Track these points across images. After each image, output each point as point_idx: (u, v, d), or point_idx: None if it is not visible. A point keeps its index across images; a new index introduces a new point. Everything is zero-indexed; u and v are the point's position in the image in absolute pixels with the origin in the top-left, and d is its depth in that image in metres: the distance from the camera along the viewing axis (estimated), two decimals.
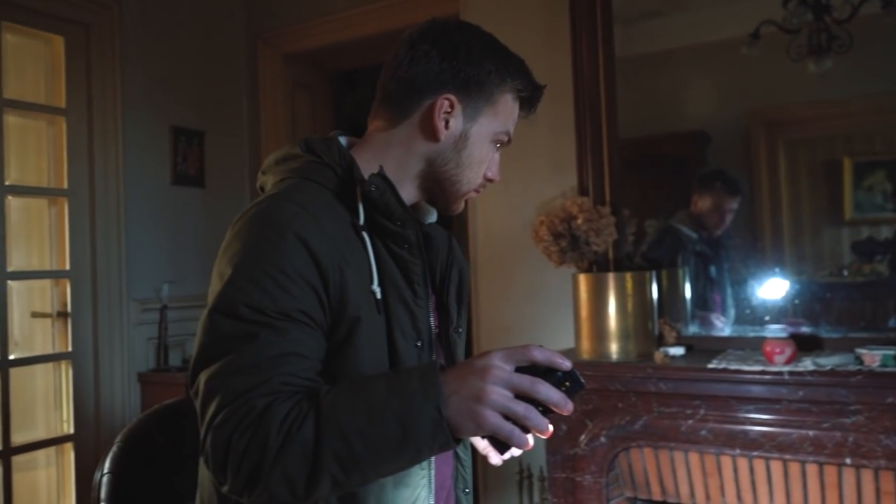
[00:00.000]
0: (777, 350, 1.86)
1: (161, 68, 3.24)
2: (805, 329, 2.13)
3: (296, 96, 3.67)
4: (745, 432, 1.85)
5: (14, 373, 2.76)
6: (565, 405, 0.78)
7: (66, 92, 2.93)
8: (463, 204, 1.08)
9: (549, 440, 2.07)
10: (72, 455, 2.90)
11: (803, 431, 1.78)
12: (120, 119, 3.02)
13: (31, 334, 2.96)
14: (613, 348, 2.09)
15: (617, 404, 2.02)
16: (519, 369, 0.79)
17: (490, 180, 1.06)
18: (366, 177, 0.95)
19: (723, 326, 2.31)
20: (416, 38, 1.02)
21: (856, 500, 1.77)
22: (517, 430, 0.77)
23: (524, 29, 2.59)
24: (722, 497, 1.94)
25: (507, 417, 0.77)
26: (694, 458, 1.97)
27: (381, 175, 0.95)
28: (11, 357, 2.75)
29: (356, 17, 3.30)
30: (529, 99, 1.05)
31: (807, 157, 2.35)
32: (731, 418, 1.87)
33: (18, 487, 2.79)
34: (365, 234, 0.94)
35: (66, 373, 2.91)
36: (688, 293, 2.37)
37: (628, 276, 2.11)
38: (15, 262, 2.84)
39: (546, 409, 0.78)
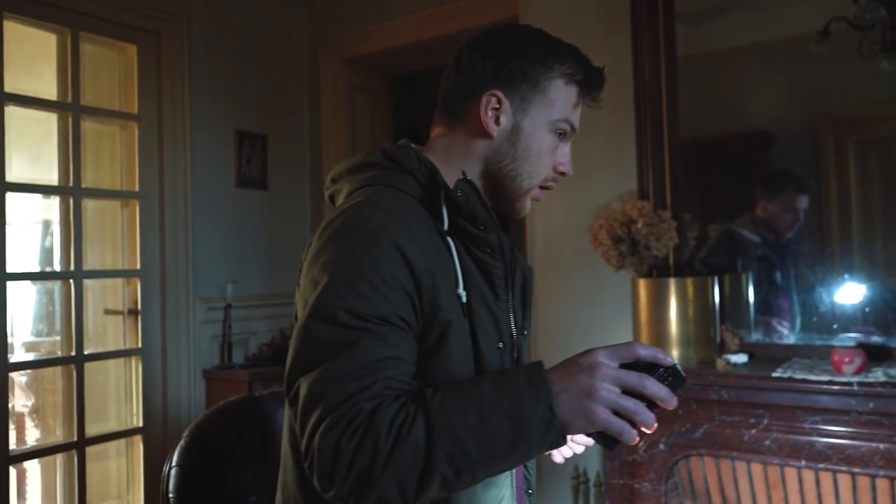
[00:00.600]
0: (846, 359, 1.81)
1: (226, 74, 3.34)
2: (876, 338, 2.06)
3: (355, 100, 3.73)
4: (812, 444, 1.80)
5: (88, 367, 2.89)
6: (670, 400, 0.80)
7: (138, 98, 3.05)
8: (528, 205, 1.07)
9: None
10: (140, 447, 3.02)
11: (874, 444, 1.73)
12: (188, 124, 3.13)
13: (104, 331, 3.09)
14: (674, 355, 2.06)
15: (677, 411, 1.99)
16: (622, 366, 0.81)
17: (562, 174, 1.06)
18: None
19: (788, 334, 2.25)
20: (462, 46, 1.06)
21: None
22: (627, 426, 0.79)
23: (583, 30, 2.57)
24: None
25: (615, 413, 0.78)
26: (757, 468, 1.92)
27: (466, 180, 0.97)
28: (86, 352, 2.87)
29: (415, 21, 3.33)
30: (586, 82, 1.03)
31: (878, 157, 2.29)
32: (796, 429, 1.83)
33: (91, 477, 2.92)
34: (449, 239, 0.95)
35: (135, 368, 3.03)
36: (751, 299, 2.32)
37: (689, 281, 2.08)
38: (90, 262, 2.97)
39: (651, 404, 0.80)
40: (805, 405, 1.81)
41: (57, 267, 2.92)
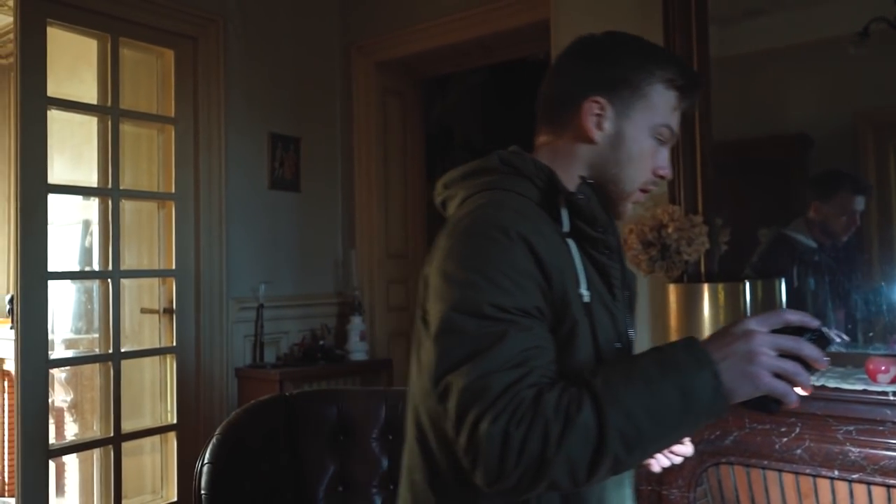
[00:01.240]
0: (881, 368, 1.77)
1: (261, 77, 3.39)
2: None
3: (387, 102, 3.75)
4: (845, 453, 1.77)
5: (124, 364, 2.97)
6: (823, 361, 0.82)
7: (174, 102, 3.12)
8: (629, 209, 1.09)
9: None
10: (174, 443, 3.08)
11: None
12: (223, 127, 3.18)
13: (141, 329, 3.16)
14: None
15: None
16: (773, 332, 0.84)
17: (661, 177, 1.08)
18: None
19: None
20: (561, 55, 1.10)
21: None
22: (790, 387, 0.81)
23: (615, 27, 2.56)
24: None
25: (776, 377, 0.81)
26: (788, 478, 1.89)
27: (588, 183, 1.01)
28: (123, 350, 2.94)
29: (446, 25, 3.35)
30: (685, 87, 1.05)
31: None
32: (829, 438, 1.79)
33: (127, 472, 2.99)
34: (568, 241, 0.98)
35: (170, 366, 3.10)
36: (784, 305, 2.28)
37: (720, 286, 2.05)
38: (127, 262, 3.05)
39: (805, 367, 0.82)
40: (838, 414, 1.77)
41: (96, 266, 2.99)
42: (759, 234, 2.34)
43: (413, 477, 1.02)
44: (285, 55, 3.51)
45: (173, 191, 3.10)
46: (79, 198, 3.26)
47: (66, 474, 3.53)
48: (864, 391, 1.74)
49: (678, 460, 1.12)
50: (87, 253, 3.48)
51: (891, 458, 1.72)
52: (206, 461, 2.14)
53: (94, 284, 3.01)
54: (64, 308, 3.55)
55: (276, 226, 3.43)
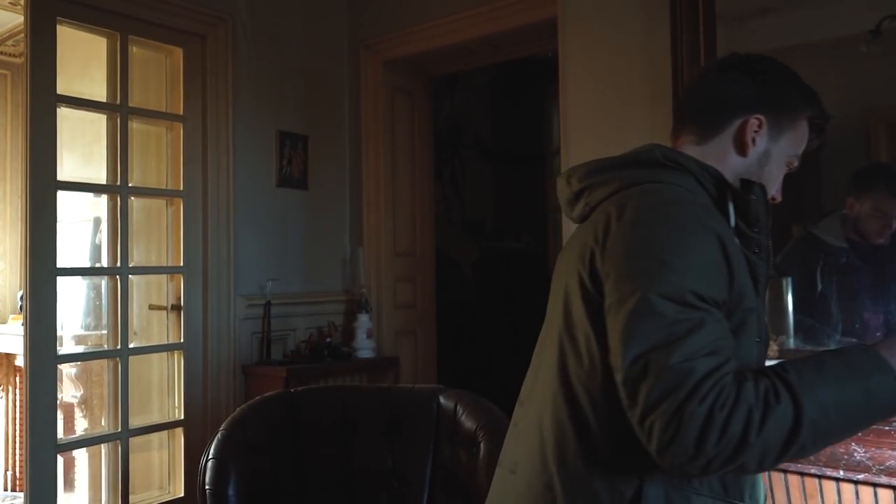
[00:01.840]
0: None
1: (269, 75, 3.40)
2: None
3: (395, 100, 3.76)
4: (851, 453, 1.76)
5: (132, 360, 2.99)
6: None
7: (183, 100, 3.13)
8: None
9: None
10: (181, 439, 3.10)
11: None
12: (231, 125, 3.20)
13: (149, 325, 3.19)
14: None
15: None
16: None
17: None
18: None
19: (829, 341, 2.19)
20: (724, 65, 1.18)
21: None
22: None
23: (623, 31, 2.56)
24: None
25: None
26: (793, 479, 1.88)
27: (760, 185, 1.08)
28: (131, 346, 2.97)
29: (454, 23, 3.34)
30: (820, 128, 1.17)
31: None
32: None
33: (134, 467, 3.01)
34: (736, 238, 1.04)
35: (178, 362, 3.11)
36: (790, 304, 2.26)
37: None
38: (135, 258, 3.07)
39: None
40: None
41: (104, 263, 3.02)
42: (793, 230, 2.27)
43: (564, 456, 1.02)
44: (294, 53, 3.52)
45: (181, 188, 3.12)
46: (90, 195, 3.28)
47: (77, 469, 3.57)
48: None
49: None
50: (97, 250, 3.51)
51: None
52: (210, 456, 2.16)
53: (103, 281, 3.02)
54: (74, 304, 3.59)
55: (283, 224, 3.44)
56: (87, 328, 3.61)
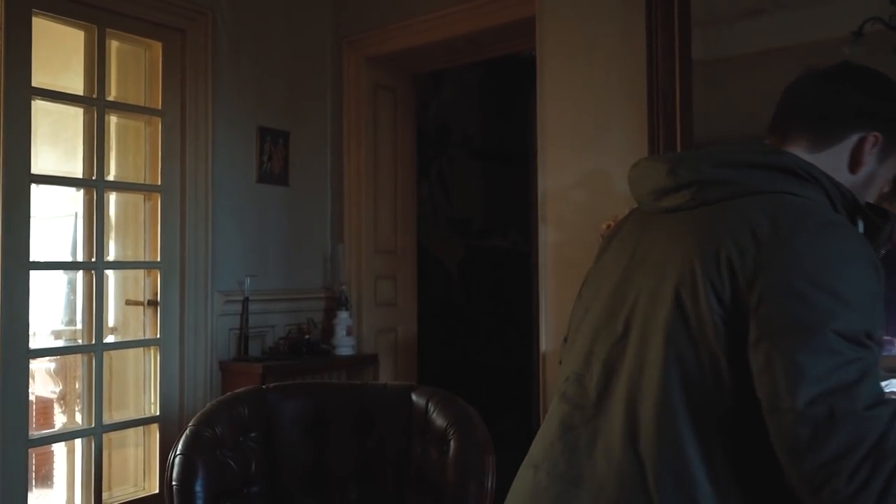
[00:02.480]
0: None
1: (250, 71, 3.39)
2: None
3: (378, 97, 3.75)
4: None
5: (109, 356, 2.97)
6: None
7: (162, 94, 3.11)
8: None
9: None
10: (157, 435, 3.08)
11: None
12: (210, 120, 3.18)
13: (126, 320, 3.17)
14: None
15: None
16: None
17: None
18: None
19: None
20: (839, 75, 1.14)
21: None
22: None
23: (601, 29, 2.55)
24: None
25: None
26: None
27: (892, 214, 1.09)
28: (106, 341, 2.95)
29: (436, 20, 3.34)
30: None
31: None
32: None
33: (110, 463, 2.99)
34: None
35: (154, 358, 3.10)
36: None
37: None
38: (113, 253, 3.05)
39: None
40: None
41: (80, 257, 3.00)
42: None
43: (668, 484, 0.94)
44: (275, 49, 3.51)
45: (159, 183, 3.10)
46: (72, 189, 3.26)
47: (55, 465, 3.55)
48: None
49: None
50: (77, 244, 3.49)
51: None
52: (178, 452, 2.15)
53: (78, 275, 3.00)
54: (53, 299, 3.57)
55: (263, 220, 3.43)
56: (65, 323, 3.59)
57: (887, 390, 1.67)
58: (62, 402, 3.75)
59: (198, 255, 3.14)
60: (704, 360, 0.93)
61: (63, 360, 3.47)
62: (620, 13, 2.52)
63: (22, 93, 2.66)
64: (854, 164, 1.08)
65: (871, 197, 1.12)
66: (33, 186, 2.70)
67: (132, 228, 3.15)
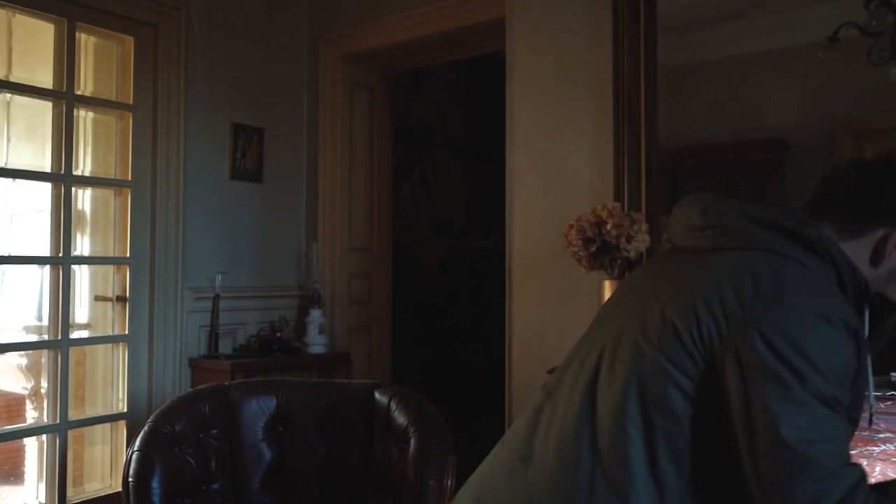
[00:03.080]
0: None
1: (225, 67, 3.38)
2: None
3: (354, 96, 3.74)
4: None
5: (77, 352, 2.95)
6: None
7: (133, 89, 3.10)
8: None
9: None
10: (124, 432, 3.07)
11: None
12: (182, 115, 3.17)
13: (94, 316, 3.15)
14: None
15: None
16: None
17: None
18: None
19: None
20: (882, 167, 1.16)
21: None
22: None
23: (569, 30, 2.55)
24: None
25: None
26: None
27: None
28: (73, 336, 2.93)
29: (411, 18, 3.33)
30: None
31: None
32: None
33: (77, 460, 2.98)
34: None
35: (122, 354, 3.08)
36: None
37: None
38: (83, 248, 3.03)
39: None
40: None
41: (48, 252, 2.98)
42: None
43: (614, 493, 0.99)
44: (250, 46, 3.49)
45: (130, 178, 3.08)
46: (48, 185, 3.23)
47: (26, 460, 3.52)
48: None
49: None
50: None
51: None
52: (135, 449, 2.13)
53: (45, 270, 2.98)
54: (24, 293, 3.54)
55: (236, 216, 3.42)
56: (37, 319, 3.57)
57: None
58: (33, 398, 3.73)
59: (168, 251, 3.13)
60: (673, 384, 0.99)
61: (35, 357, 3.45)
62: (588, 13, 2.53)
63: None
64: (876, 258, 1.11)
65: (892, 292, 1.15)
66: (4, 181, 2.68)
67: (102, 224, 3.13)
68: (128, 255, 3.07)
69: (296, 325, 3.56)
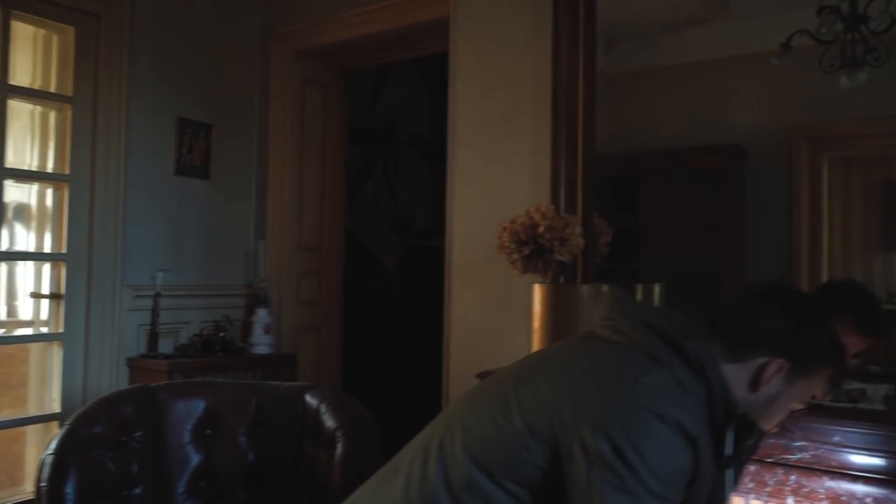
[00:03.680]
0: None
1: (171, 60, 3.30)
2: None
3: (307, 93, 3.68)
4: None
5: (9, 349, 2.86)
6: None
7: (73, 80, 3.01)
8: None
9: None
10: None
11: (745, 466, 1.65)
12: (124, 109, 3.09)
13: (29, 313, 3.06)
14: None
15: None
16: None
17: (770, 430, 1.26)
18: None
19: None
20: (772, 296, 1.22)
21: None
22: None
23: (512, 28, 2.52)
24: None
25: None
26: None
27: (760, 432, 1.19)
28: (3, 334, 2.85)
29: (364, 15, 3.28)
30: (836, 383, 1.31)
31: (859, 176, 2.24)
32: None
33: (7, 461, 2.89)
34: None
35: (56, 353, 2.99)
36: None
37: (584, 289, 2.01)
38: (17, 244, 2.94)
39: None
40: None
41: None
42: None
43: None
44: (199, 39, 3.42)
45: (68, 172, 3.00)
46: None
47: None
48: None
49: None
50: None
51: None
52: (49, 452, 2.06)
53: None
54: None
55: (181, 213, 3.34)
56: None
57: None
58: None
59: (106, 248, 3.05)
60: (522, 460, 1.09)
61: None
62: (530, 11, 2.49)
63: None
64: (754, 385, 1.14)
65: (778, 415, 1.19)
66: None
67: (39, 219, 3.04)
68: (65, 250, 2.98)
69: (242, 325, 3.50)
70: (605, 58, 2.42)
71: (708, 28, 2.41)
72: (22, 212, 3.02)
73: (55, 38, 3.06)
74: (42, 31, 3.05)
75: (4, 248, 2.89)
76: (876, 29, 1.98)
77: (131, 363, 3.10)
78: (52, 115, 3.06)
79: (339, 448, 2.12)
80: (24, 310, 3.10)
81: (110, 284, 3.06)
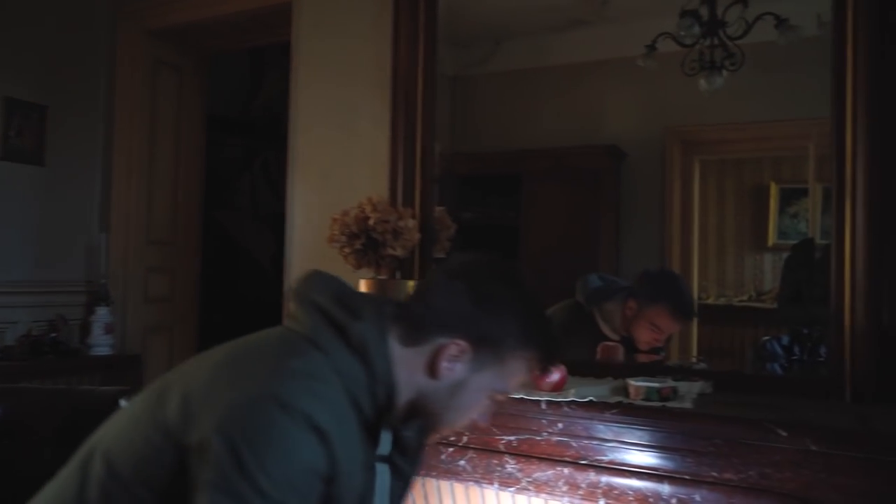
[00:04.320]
0: (545, 375, 1.69)
1: None
2: None
3: (159, 75, 3.44)
4: (503, 465, 1.68)
5: None
6: None
7: None
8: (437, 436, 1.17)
9: None
10: None
11: (559, 468, 1.61)
12: None
13: None
14: None
15: None
16: None
17: (476, 425, 1.14)
18: None
19: None
20: (457, 272, 1.08)
21: None
22: None
23: (353, 12, 2.41)
24: None
25: None
26: (459, 487, 1.79)
27: (419, 428, 1.07)
28: None
29: None
30: (542, 369, 1.12)
31: (729, 179, 2.31)
32: (491, 449, 1.69)
33: None
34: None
35: None
36: None
37: (411, 284, 1.93)
38: None
39: None
40: (499, 423, 1.68)
41: None
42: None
43: None
44: (33, 12, 3.13)
45: None
46: None
47: None
48: (522, 400, 1.65)
49: None
50: None
51: (542, 470, 1.63)
52: None
53: None
54: None
55: (6, 202, 3.04)
56: None
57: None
58: None
59: None
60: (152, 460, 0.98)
61: None
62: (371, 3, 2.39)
63: None
64: (431, 369, 1.03)
65: (471, 406, 1.07)
66: None
67: None
68: None
69: (81, 325, 3.23)
70: (494, 57, 2.49)
71: (589, 30, 2.45)
72: None
73: None
74: None
75: None
76: (733, 34, 2.04)
77: None
78: None
79: None
80: None
81: None
